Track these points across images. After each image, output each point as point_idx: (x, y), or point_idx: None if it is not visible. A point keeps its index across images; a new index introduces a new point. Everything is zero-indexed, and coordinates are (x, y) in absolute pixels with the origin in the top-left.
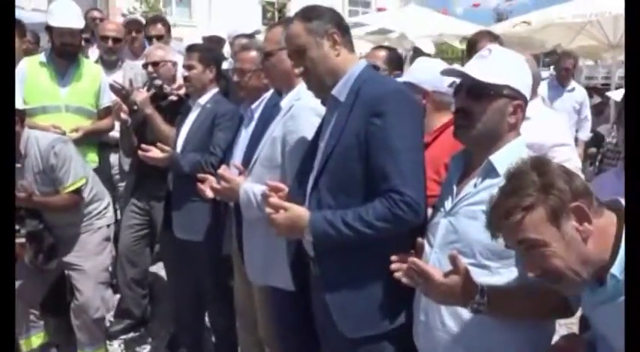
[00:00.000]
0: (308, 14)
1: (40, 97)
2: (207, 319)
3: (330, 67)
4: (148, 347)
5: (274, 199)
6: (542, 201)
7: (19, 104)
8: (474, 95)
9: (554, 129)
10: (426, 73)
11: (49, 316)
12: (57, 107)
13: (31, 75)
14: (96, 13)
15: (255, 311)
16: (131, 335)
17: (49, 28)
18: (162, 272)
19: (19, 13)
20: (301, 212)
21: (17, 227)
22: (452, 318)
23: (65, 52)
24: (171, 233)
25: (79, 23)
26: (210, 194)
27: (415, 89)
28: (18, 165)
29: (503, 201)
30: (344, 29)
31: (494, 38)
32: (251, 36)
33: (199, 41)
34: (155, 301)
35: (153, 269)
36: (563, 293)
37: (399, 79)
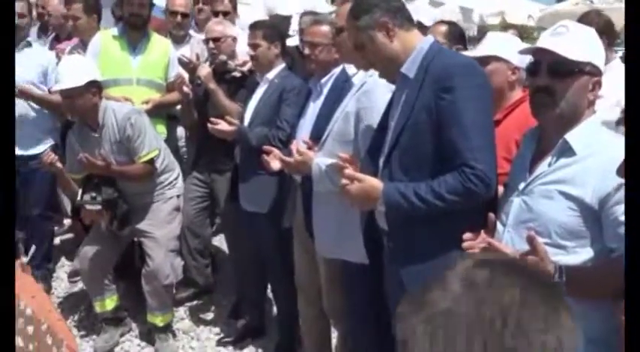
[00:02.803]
0: (355, 12)
1: (112, 70)
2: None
3: (388, 55)
4: (211, 315)
5: (349, 171)
6: None
7: (97, 76)
8: (556, 73)
9: None
10: (513, 48)
11: (121, 281)
12: (128, 80)
13: (105, 48)
14: None
15: (316, 284)
16: (195, 302)
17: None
18: (224, 245)
19: None
20: (375, 183)
21: (94, 194)
22: None
23: (134, 23)
24: (235, 205)
25: None
26: (276, 166)
27: (507, 65)
28: (95, 135)
29: None
30: (395, 11)
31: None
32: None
33: (255, 18)
34: (218, 271)
35: (215, 241)
36: None
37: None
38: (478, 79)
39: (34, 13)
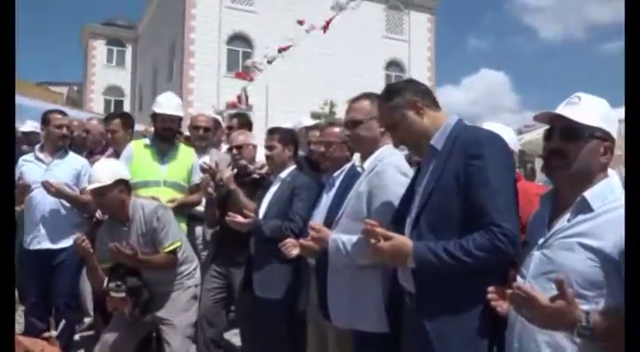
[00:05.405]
0: (387, 94)
1: (143, 173)
2: None
3: (419, 131)
4: None
5: (380, 229)
6: None
7: (125, 175)
8: (568, 137)
9: None
10: (508, 135)
11: None
12: (157, 182)
13: (137, 155)
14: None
15: None
16: None
17: (154, 115)
18: (235, 339)
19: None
20: (405, 240)
21: (119, 283)
22: (548, 345)
23: (164, 136)
24: (249, 293)
25: (178, 112)
26: (295, 252)
27: None
28: (124, 228)
29: None
30: (423, 93)
31: None
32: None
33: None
34: None
35: (226, 335)
36: None
37: None
38: (502, 147)
39: (76, 132)
